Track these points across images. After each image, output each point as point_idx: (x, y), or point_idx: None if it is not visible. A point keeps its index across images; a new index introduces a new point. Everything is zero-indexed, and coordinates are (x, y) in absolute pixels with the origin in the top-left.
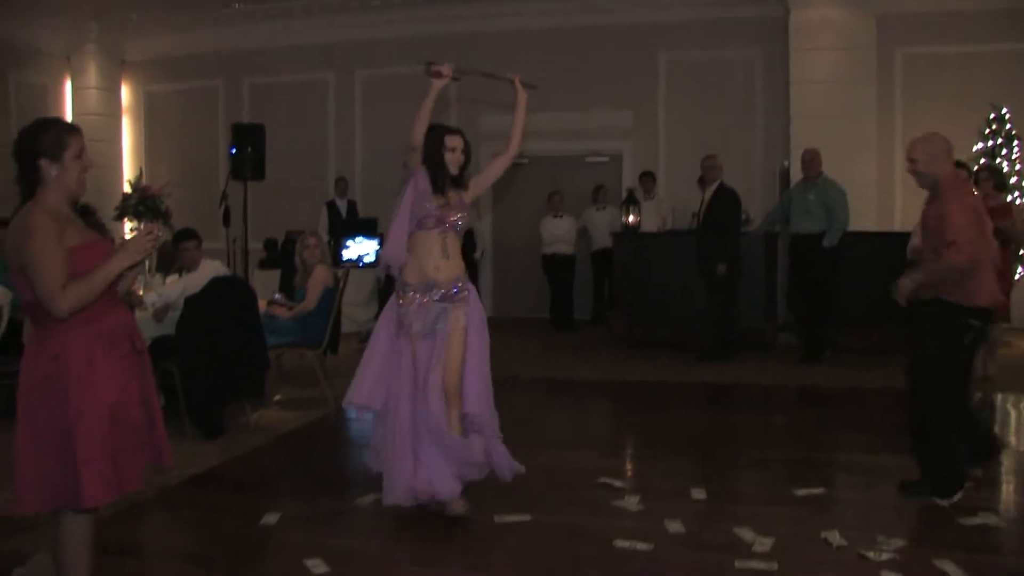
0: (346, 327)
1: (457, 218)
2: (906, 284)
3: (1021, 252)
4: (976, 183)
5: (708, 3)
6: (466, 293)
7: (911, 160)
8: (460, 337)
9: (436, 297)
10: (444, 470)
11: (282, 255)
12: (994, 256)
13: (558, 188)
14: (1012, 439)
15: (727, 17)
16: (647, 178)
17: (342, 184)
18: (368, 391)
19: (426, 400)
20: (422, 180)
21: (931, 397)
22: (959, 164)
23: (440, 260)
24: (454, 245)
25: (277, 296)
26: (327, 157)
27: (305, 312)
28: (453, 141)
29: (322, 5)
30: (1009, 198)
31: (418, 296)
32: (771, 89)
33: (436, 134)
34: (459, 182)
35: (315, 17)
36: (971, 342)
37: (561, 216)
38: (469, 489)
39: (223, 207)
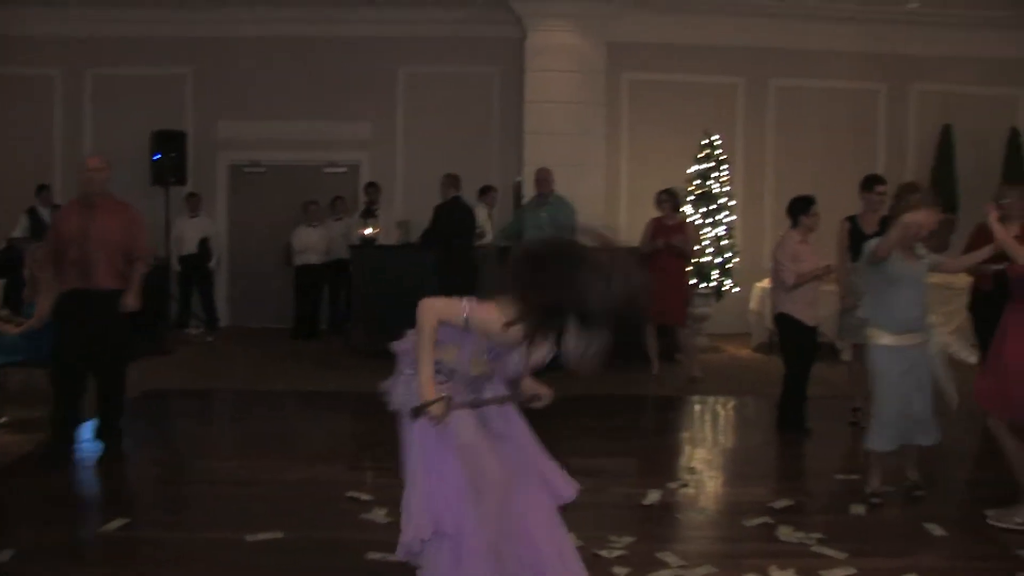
0: None
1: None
2: None
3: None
4: (658, 204)
5: (449, 21)
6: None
7: None
8: None
9: (472, 390)
10: None
11: (1, 264)
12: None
13: (313, 198)
14: (721, 438)
15: (467, 35)
16: (372, 189)
17: (46, 193)
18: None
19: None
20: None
21: None
22: (670, 192)
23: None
24: None
25: (1, 312)
26: (53, 159)
27: (34, 328)
28: None
29: None
30: (717, 217)
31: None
32: (507, 107)
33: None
34: None
35: (51, 7)
36: None
37: (315, 226)
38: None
39: None
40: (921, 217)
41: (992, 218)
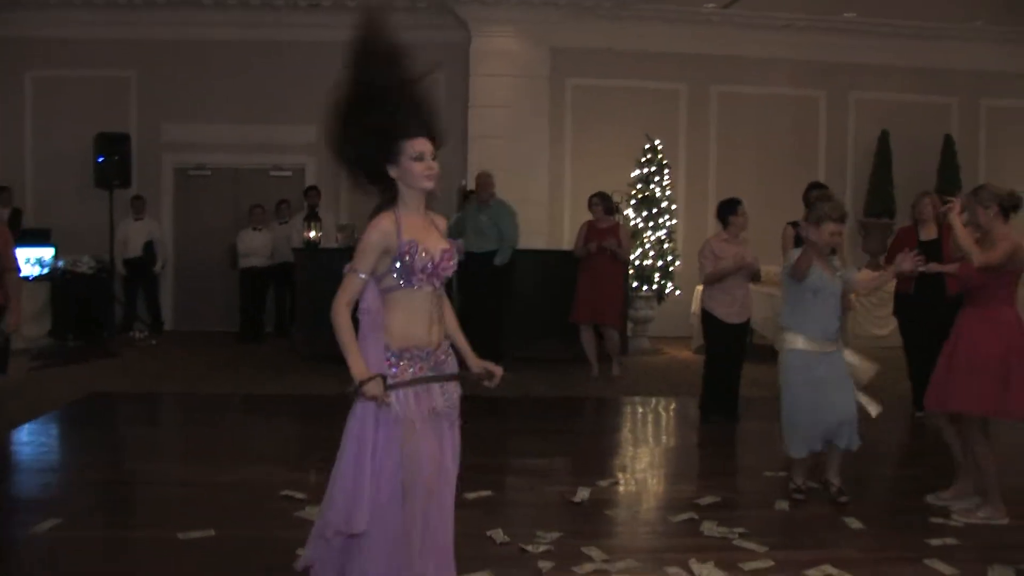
0: (15, 343)
1: (452, 264)
2: None
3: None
4: (590, 207)
5: (393, 25)
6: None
7: None
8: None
9: (430, 366)
10: None
11: None
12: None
13: (258, 201)
14: (656, 437)
15: (412, 40)
16: (312, 192)
17: (6, 195)
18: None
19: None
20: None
21: None
22: (602, 195)
23: (435, 322)
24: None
25: None
26: None
27: None
28: (420, 145)
29: None
30: (659, 221)
31: (412, 368)
32: (452, 111)
33: (388, 137)
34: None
35: None
36: None
37: (260, 229)
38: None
39: None
40: (824, 236)
41: (953, 216)
